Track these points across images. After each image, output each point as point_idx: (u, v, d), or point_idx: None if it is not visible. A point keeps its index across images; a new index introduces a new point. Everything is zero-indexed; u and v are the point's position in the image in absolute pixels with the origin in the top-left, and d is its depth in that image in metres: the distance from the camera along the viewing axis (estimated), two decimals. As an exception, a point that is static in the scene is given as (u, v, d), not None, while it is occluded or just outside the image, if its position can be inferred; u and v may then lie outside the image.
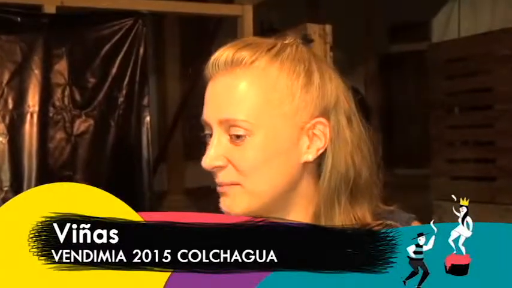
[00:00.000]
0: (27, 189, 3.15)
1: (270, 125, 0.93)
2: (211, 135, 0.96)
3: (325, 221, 0.95)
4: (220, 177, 0.95)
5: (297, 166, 0.96)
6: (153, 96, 5.46)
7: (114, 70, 3.47)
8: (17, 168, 3.25)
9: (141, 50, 3.52)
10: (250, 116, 0.93)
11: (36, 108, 3.30)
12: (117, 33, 3.48)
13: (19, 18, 3.27)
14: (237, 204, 0.95)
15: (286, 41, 0.99)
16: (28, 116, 3.29)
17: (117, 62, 3.47)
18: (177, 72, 6.00)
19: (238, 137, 0.93)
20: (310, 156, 0.95)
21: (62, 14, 3.46)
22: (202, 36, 5.67)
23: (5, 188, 3.22)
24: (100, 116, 3.45)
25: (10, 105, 3.26)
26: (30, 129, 3.29)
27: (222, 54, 0.96)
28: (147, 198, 3.53)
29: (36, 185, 3.18)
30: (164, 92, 6.10)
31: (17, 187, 3.21)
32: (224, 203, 0.96)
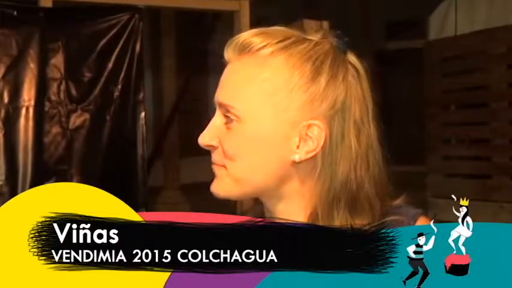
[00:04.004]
0: (22, 183, 3.17)
1: (260, 115, 0.93)
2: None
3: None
4: (213, 157, 0.98)
5: (284, 163, 0.94)
6: (149, 92, 5.45)
7: (110, 65, 3.46)
8: (12, 162, 3.24)
9: (138, 45, 3.51)
10: (242, 104, 0.94)
11: (32, 103, 3.29)
12: (113, 27, 3.47)
13: (15, 12, 3.25)
14: (220, 186, 0.97)
15: (311, 37, 0.97)
16: (24, 110, 3.28)
17: (113, 56, 3.46)
18: (173, 67, 5.98)
19: (229, 121, 0.95)
20: (297, 157, 0.94)
21: (58, 8, 3.44)
22: (198, 32, 5.66)
23: (0, 182, 3.22)
24: (96, 110, 3.44)
25: (5, 99, 3.24)
26: (25, 123, 3.28)
27: (236, 39, 0.97)
28: (141, 193, 3.53)
29: (31, 179, 3.20)
30: (160, 88, 6.09)
31: (12, 181, 3.21)
32: (213, 184, 0.98)
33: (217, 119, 0.97)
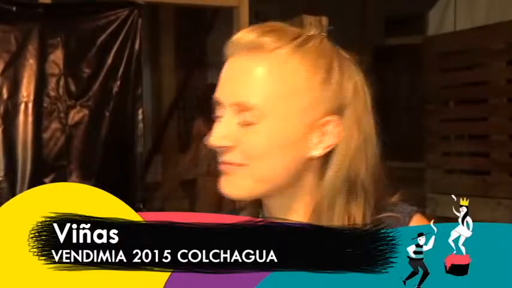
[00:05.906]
0: (21, 179, 3.17)
1: (281, 115, 0.93)
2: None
3: (326, 218, 0.95)
4: (227, 157, 0.95)
5: (302, 160, 0.96)
6: (148, 88, 5.44)
7: (109, 60, 3.45)
8: (11, 158, 3.24)
9: (137, 41, 3.50)
10: (264, 103, 0.93)
11: (31, 98, 3.29)
12: (112, 23, 3.46)
13: (14, 8, 3.25)
14: (238, 186, 0.95)
15: (311, 33, 0.98)
16: (22, 106, 3.28)
17: (112, 52, 3.46)
18: (172, 63, 5.97)
19: (247, 121, 0.93)
20: (317, 153, 0.96)
21: (58, 4, 3.44)
22: (197, 28, 5.65)
23: (-1, 178, 3.22)
24: (95, 106, 3.43)
25: (4, 95, 3.24)
26: (24, 119, 3.28)
27: (246, 36, 0.95)
28: (139, 188, 3.53)
29: (30, 175, 3.20)
30: (159, 84, 6.08)
31: (11, 177, 3.20)
32: (225, 184, 0.96)
33: (229, 119, 0.95)
